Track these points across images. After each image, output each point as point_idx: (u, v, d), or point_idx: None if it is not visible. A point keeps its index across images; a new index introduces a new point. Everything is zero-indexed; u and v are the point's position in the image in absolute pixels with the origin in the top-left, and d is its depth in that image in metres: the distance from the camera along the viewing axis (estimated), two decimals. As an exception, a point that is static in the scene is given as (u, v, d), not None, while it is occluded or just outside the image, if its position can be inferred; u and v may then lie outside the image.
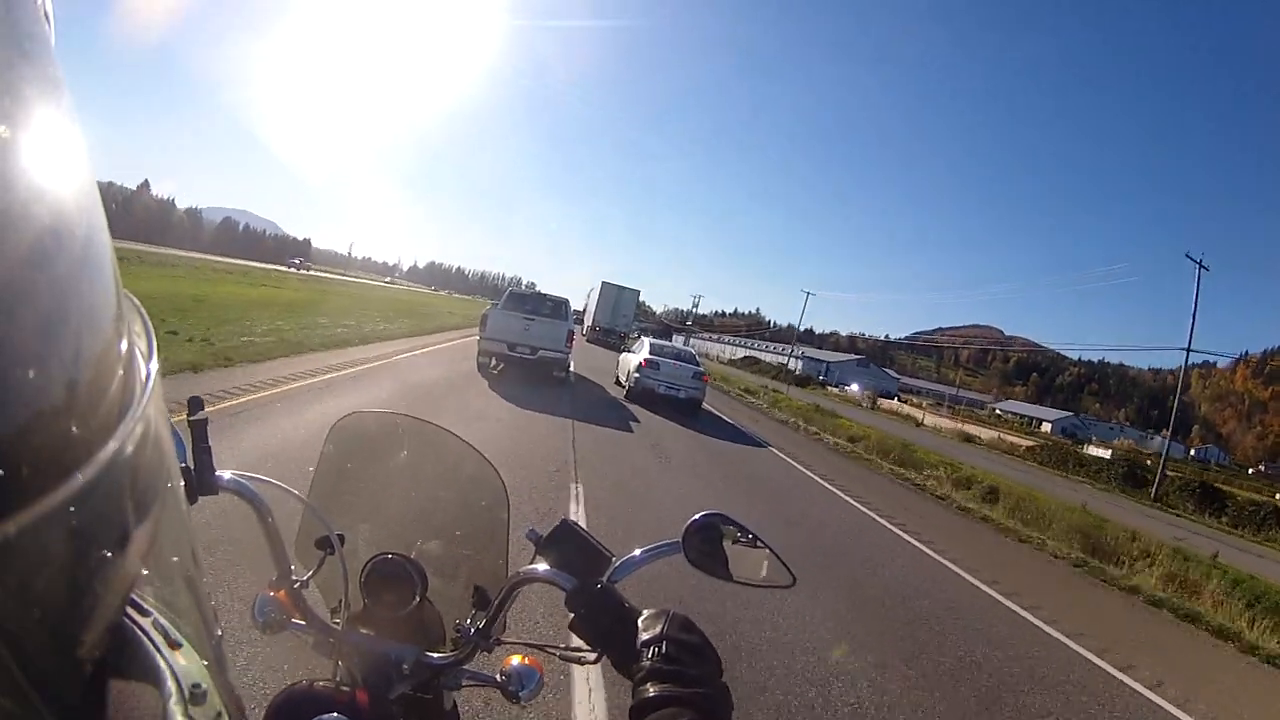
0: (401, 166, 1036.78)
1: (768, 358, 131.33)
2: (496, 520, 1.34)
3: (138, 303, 0.54)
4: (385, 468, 1.42)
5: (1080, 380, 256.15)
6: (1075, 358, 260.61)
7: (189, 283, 30.71)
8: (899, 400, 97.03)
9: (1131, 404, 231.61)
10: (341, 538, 1.17)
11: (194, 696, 0.59)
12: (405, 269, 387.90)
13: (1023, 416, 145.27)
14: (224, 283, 38.48)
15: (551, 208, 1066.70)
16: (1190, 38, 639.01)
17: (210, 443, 1.02)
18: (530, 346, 16.91)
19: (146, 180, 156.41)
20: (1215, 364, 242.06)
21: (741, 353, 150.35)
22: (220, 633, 0.74)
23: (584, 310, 66.20)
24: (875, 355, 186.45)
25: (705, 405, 21.66)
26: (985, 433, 67.06)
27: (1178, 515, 32.65)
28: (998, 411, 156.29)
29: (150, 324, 0.53)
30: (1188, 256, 41.63)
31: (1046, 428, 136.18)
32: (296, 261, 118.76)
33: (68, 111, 0.41)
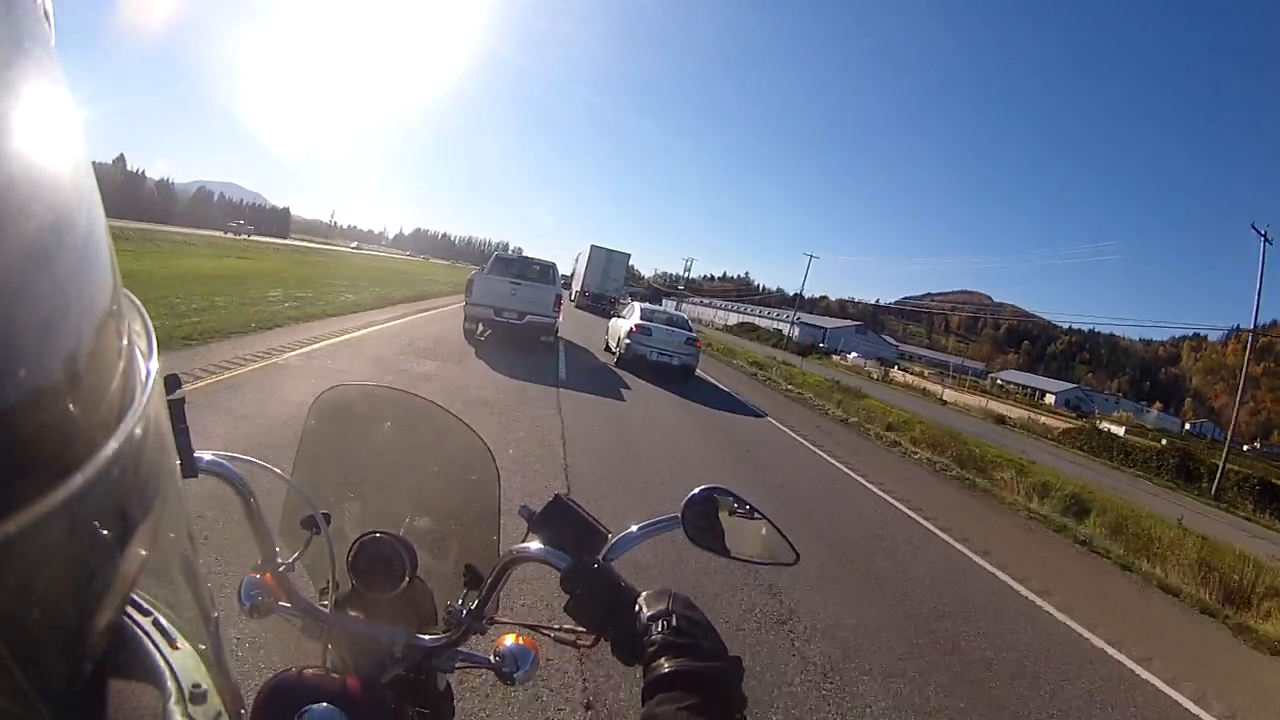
0: (388, 134, 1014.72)
1: (763, 323, 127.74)
2: (487, 495, 1.30)
3: (137, 300, 0.54)
4: (370, 442, 1.37)
5: (1072, 349, 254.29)
6: (1065, 326, 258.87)
7: (132, 258, 25.64)
8: (900, 370, 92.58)
9: (1124, 375, 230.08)
10: (327, 517, 1.15)
11: (194, 696, 0.59)
12: (391, 237, 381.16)
13: (1025, 387, 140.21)
14: (181, 255, 33.57)
15: (538, 173, 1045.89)
16: (1179, 16, 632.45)
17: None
18: (517, 311, 16.55)
19: (122, 154, 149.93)
20: (1205, 337, 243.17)
21: (735, 318, 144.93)
22: (218, 619, 0.74)
23: (572, 275, 63.08)
24: (867, 320, 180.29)
25: (717, 382, 20.91)
26: (1014, 411, 62.43)
27: (1245, 518, 29.09)
28: (999, 381, 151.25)
29: (149, 321, 0.53)
30: (1253, 228, 38.41)
31: (1050, 399, 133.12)
32: (234, 225, 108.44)
33: (67, 109, 0.41)
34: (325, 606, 1.17)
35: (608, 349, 21.89)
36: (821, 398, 24.78)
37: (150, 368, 0.48)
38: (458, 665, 1.20)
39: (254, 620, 1.20)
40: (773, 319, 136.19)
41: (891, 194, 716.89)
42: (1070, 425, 55.65)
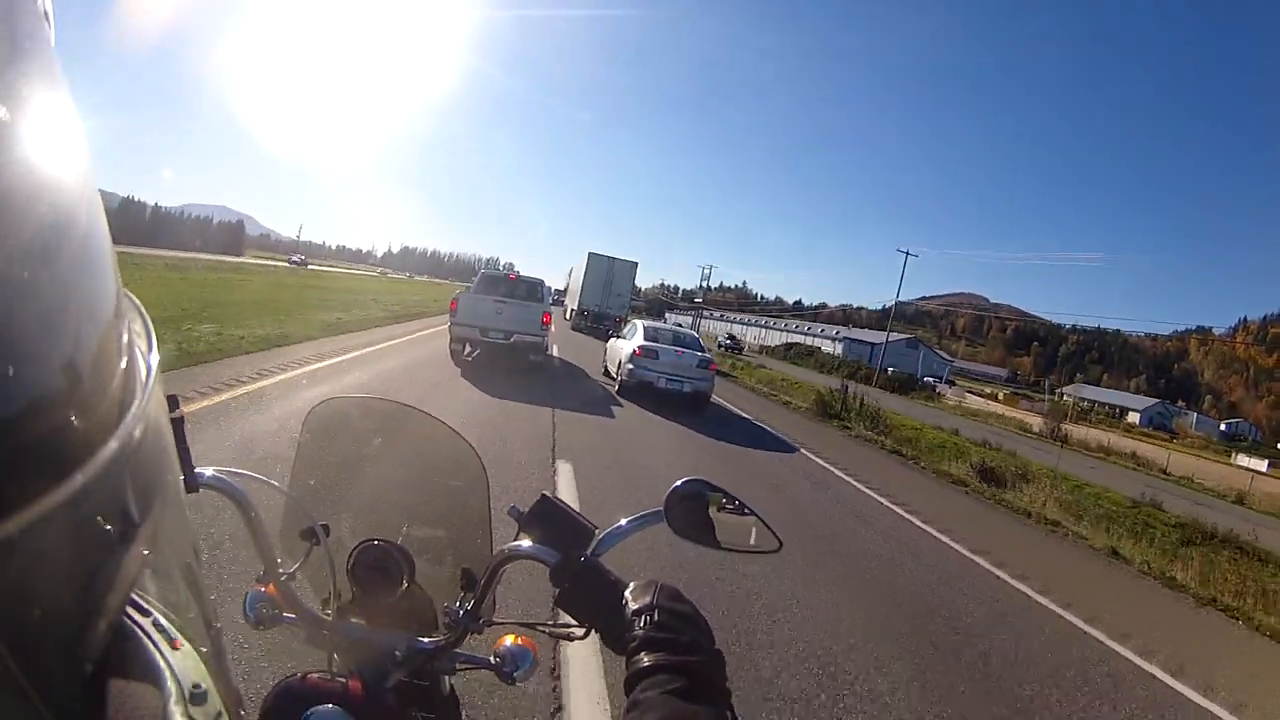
0: (378, 154, 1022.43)
1: (790, 338, 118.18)
2: (478, 499, 1.33)
3: (137, 301, 0.54)
4: (364, 453, 1.40)
5: (1081, 349, 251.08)
6: (1067, 325, 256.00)
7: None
8: (951, 386, 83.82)
9: (1138, 373, 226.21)
10: (326, 528, 1.19)
11: (194, 696, 0.59)
12: (380, 255, 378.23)
13: (1102, 404, 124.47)
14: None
15: (527, 188, 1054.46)
16: (1173, 22, 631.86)
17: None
18: (504, 331, 15.99)
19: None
20: (1210, 330, 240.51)
21: (776, 337, 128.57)
22: (219, 627, 0.74)
23: (565, 291, 56.34)
24: (872, 327, 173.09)
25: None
26: (1182, 458, 51.02)
27: None
28: (1065, 396, 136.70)
29: (149, 322, 0.53)
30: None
31: (1134, 418, 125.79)
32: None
33: (68, 110, 0.41)
34: (328, 615, 1.20)
35: (606, 373, 19.43)
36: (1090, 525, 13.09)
37: (150, 367, 0.49)
38: (459, 667, 1.23)
39: (259, 631, 1.22)
40: (813, 335, 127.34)
41: (881, 195, 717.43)
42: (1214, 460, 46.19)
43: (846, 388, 24.24)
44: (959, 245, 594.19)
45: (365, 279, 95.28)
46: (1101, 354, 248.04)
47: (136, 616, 0.57)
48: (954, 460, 17.94)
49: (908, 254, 64.60)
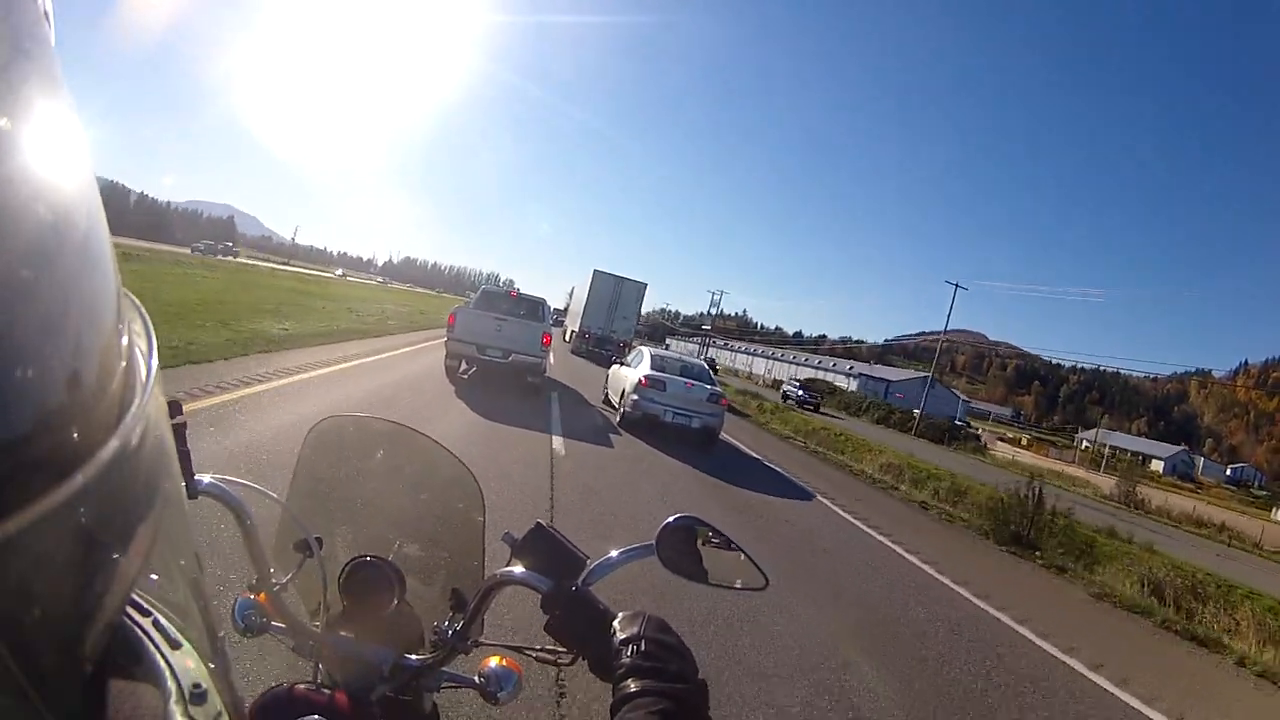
0: (385, 164, 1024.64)
1: (797, 371, 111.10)
2: (472, 523, 1.36)
3: (137, 301, 0.54)
4: (362, 471, 1.43)
5: (1082, 389, 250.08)
6: (1067, 365, 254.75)
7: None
8: (980, 432, 75.55)
9: (1139, 414, 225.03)
10: (320, 540, 1.21)
11: (194, 696, 0.59)
12: (380, 264, 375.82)
13: (1122, 450, 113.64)
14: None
15: (530, 204, 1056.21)
16: (1190, 44, 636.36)
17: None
18: (502, 350, 15.43)
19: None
20: (1210, 373, 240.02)
21: (783, 370, 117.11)
22: (223, 633, 0.74)
23: (566, 311, 53.56)
24: (872, 360, 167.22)
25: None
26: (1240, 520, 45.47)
27: None
28: (1085, 443, 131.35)
29: (150, 322, 0.53)
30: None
31: (1157, 465, 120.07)
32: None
33: (68, 110, 0.41)
34: (316, 626, 1.23)
35: (606, 402, 18.22)
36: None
37: (151, 368, 0.48)
38: (444, 685, 1.23)
39: (247, 639, 1.23)
40: (825, 369, 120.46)
41: (882, 231, 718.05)
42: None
43: (1037, 493, 13.94)
44: (960, 280, 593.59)
45: (354, 286, 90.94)
46: (1102, 394, 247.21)
47: (136, 616, 0.57)
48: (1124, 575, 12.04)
49: (957, 286, 59.10)
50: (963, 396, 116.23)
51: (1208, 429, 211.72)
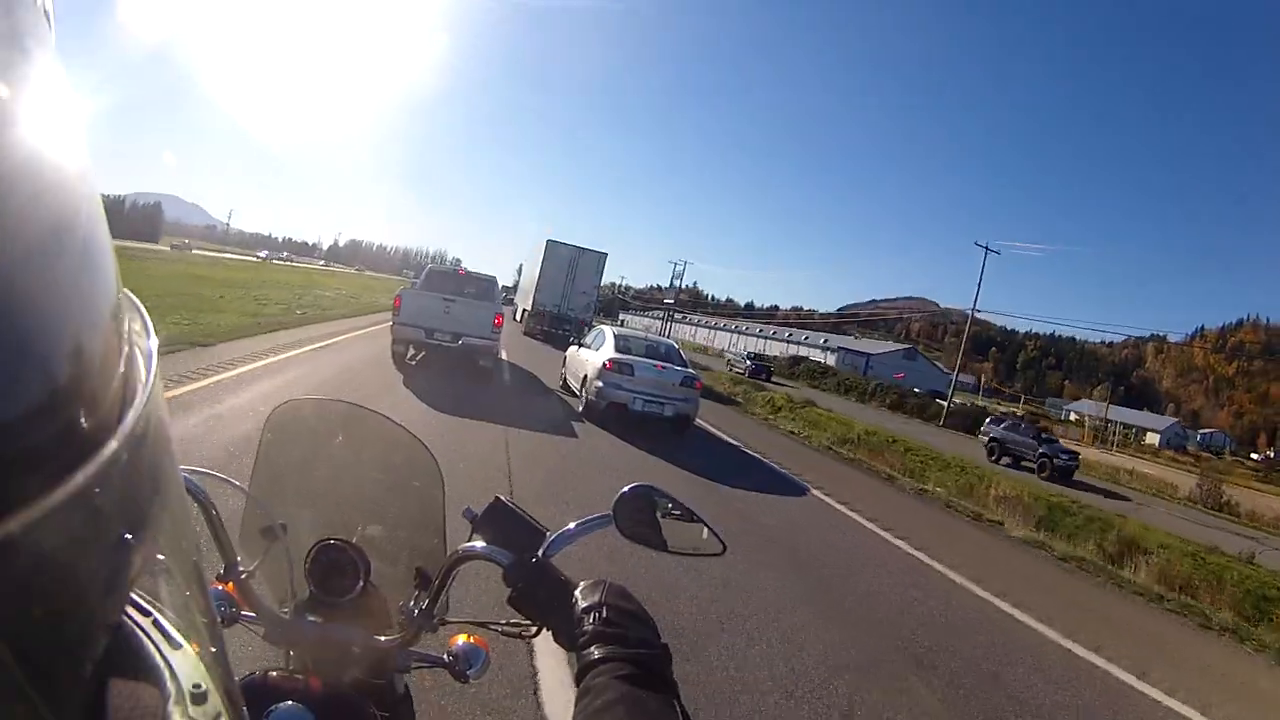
0: (330, 145, 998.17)
1: (768, 346, 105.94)
2: (432, 500, 1.36)
3: (137, 300, 0.55)
4: (324, 454, 1.44)
5: (1040, 355, 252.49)
6: (1024, 330, 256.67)
7: None
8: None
9: (1098, 380, 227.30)
10: (284, 526, 1.23)
11: (194, 696, 0.59)
12: (325, 248, 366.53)
13: (1116, 423, 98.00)
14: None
15: (474, 182, 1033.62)
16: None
17: None
18: (452, 333, 14.64)
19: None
20: (1165, 338, 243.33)
21: (747, 344, 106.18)
22: (221, 627, 0.75)
23: (516, 288, 50.11)
24: (826, 331, 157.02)
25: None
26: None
27: None
28: (1074, 415, 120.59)
29: (150, 322, 0.53)
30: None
31: (1152, 439, 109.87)
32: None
33: (68, 110, 0.42)
34: (285, 613, 1.23)
35: (565, 387, 16.52)
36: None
37: (151, 367, 0.49)
38: (413, 665, 1.25)
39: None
40: (805, 344, 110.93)
41: (826, 196, 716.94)
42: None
43: None
44: (904, 248, 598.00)
45: (281, 270, 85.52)
46: (1059, 360, 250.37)
47: (136, 616, 0.58)
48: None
49: (987, 249, 51.47)
50: (944, 369, 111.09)
51: (1167, 393, 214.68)
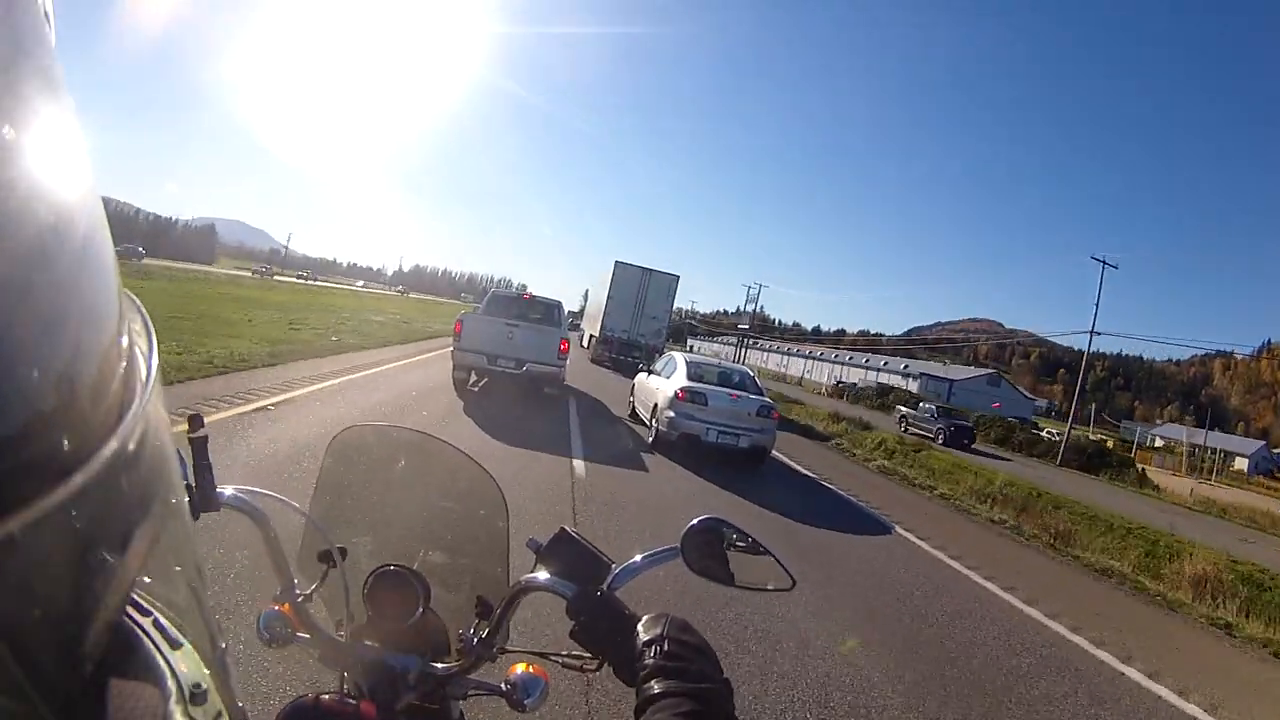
0: (393, 172, 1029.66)
1: (841, 372, 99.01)
2: (496, 530, 1.35)
3: (138, 302, 0.55)
4: (385, 480, 1.43)
5: (1109, 375, 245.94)
6: (1093, 351, 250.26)
7: None
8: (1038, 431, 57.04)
9: (1168, 400, 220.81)
10: (343, 550, 1.22)
11: (194, 696, 0.59)
12: (390, 273, 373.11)
13: (1215, 450, 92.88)
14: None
15: (539, 206, 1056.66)
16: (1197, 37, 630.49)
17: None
18: (516, 359, 14.14)
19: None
20: (1232, 354, 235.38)
21: (823, 371, 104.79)
22: (224, 644, 0.74)
23: (582, 313, 49.49)
24: (895, 354, 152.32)
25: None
26: None
27: None
28: (1159, 441, 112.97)
29: (150, 323, 0.53)
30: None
31: (1240, 464, 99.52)
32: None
33: (68, 111, 0.41)
34: (342, 636, 1.23)
35: (633, 415, 15.94)
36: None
37: (151, 369, 0.49)
38: (470, 693, 1.23)
39: (272, 650, 1.25)
40: (871, 368, 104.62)
41: (891, 222, 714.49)
42: None
43: None
44: (971, 268, 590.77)
45: (320, 293, 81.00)
46: (1127, 380, 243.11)
47: (136, 616, 0.57)
48: None
49: (1104, 263, 44.11)
50: (1027, 394, 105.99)
51: (1237, 412, 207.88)
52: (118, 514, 0.42)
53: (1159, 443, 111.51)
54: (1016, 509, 14.86)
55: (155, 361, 0.49)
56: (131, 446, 0.41)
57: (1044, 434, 50.62)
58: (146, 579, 0.55)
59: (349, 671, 1.22)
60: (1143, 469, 44.48)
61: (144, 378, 0.47)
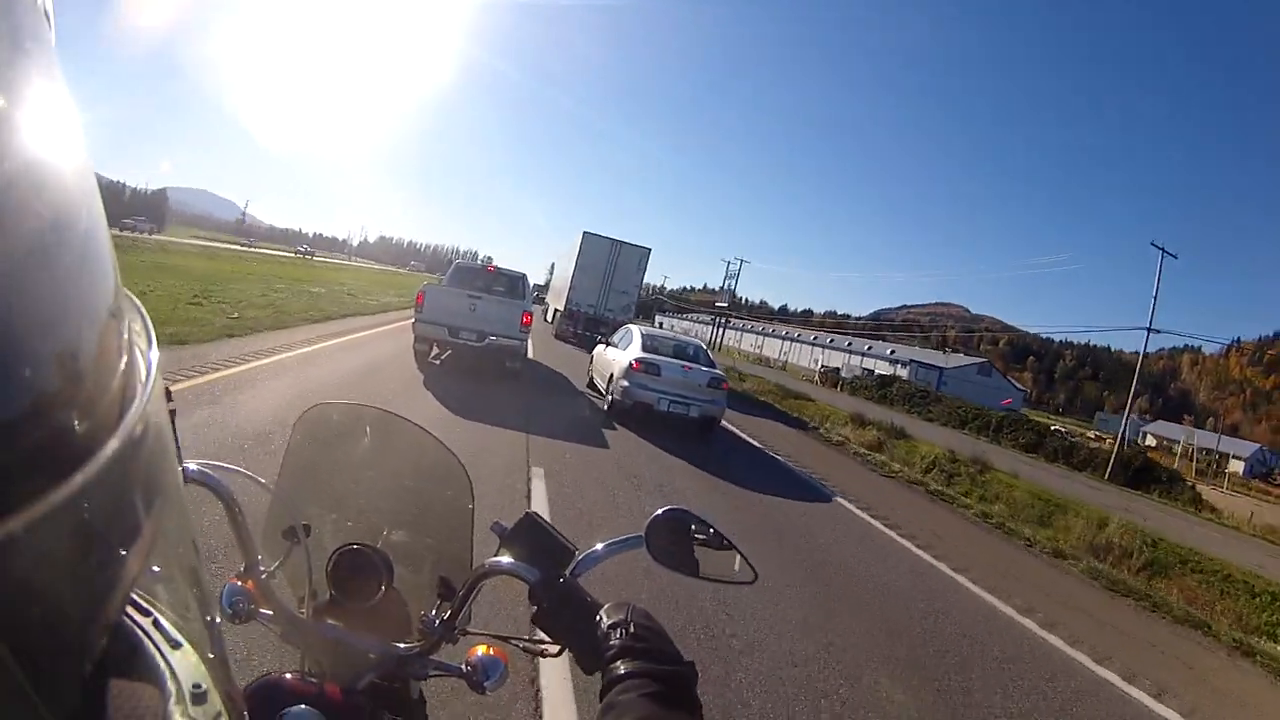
0: (359, 141, 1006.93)
1: (830, 355, 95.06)
2: (461, 511, 1.35)
3: (136, 300, 0.55)
4: (351, 458, 1.43)
5: (1077, 365, 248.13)
6: (1057, 340, 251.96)
7: None
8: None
9: (1140, 394, 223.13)
10: (307, 528, 1.22)
11: (194, 696, 0.59)
12: (355, 244, 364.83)
13: (1225, 454, 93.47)
14: None
15: (509, 180, 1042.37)
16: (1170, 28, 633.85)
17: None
18: (477, 331, 14.02)
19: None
20: (1200, 349, 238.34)
21: (802, 353, 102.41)
22: (220, 626, 0.75)
23: (548, 286, 47.53)
24: (862, 335, 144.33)
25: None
26: None
27: None
28: (1150, 437, 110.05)
29: (149, 320, 0.53)
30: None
31: (1236, 466, 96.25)
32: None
33: (68, 109, 0.41)
34: (304, 614, 1.23)
35: (591, 386, 16.36)
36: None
37: (151, 366, 0.48)
38: (430, 674, 1.24)
39: (235, 625, 1.23)
40: (855, 352, 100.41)
41: (866, 204, 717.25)
42: None
43: None
44: (938, 254, 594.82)
45: (295, 264, 76.98)
46: (1095, 371, 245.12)
47: (136, 616, 0.57)
48: None
49: (1164, 251, 38.95)
50: (1019, 385, 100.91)
51: (1204, 407, 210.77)
52: (119, 513, 0.41)
53: (1150, 440, 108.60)
54: (1145, 568, 11.42)
55: (155, 360, 0.49)
56: (133, 445, 0.41)
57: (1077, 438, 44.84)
58: (147, 577, 0.55)
59: (311, 650, 1.22)
60: (1194, 485, 37.13)
61: (144, 377, 0.47)
